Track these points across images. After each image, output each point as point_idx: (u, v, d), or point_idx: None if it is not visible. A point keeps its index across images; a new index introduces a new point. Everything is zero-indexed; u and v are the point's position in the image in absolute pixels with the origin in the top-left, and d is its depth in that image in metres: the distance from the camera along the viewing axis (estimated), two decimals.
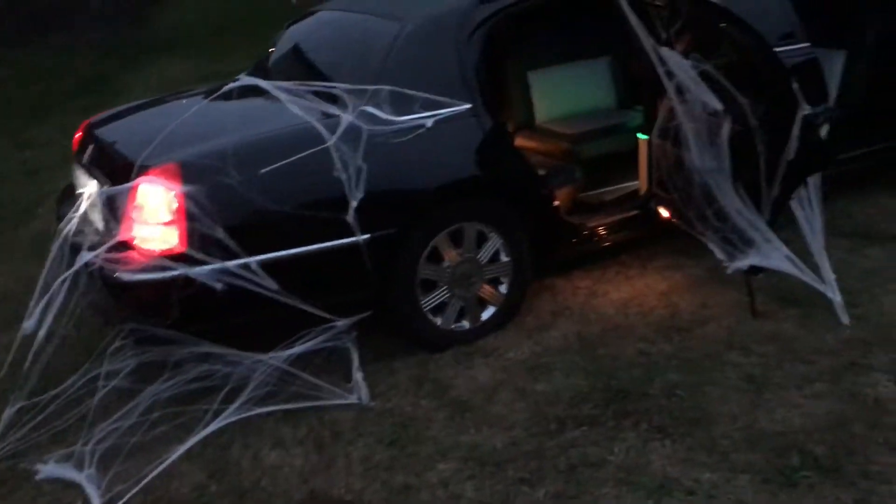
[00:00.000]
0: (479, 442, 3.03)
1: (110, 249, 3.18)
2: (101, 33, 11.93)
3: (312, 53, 4.24)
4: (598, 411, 3.12)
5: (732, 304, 3.77)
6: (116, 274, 3.16)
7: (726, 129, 3.35)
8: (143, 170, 3.22)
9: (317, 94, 3.61)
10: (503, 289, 3.81)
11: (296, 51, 4.35)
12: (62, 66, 10.98)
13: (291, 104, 3.52)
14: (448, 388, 3.40)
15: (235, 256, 3.13)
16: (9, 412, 3.24)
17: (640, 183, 4.26)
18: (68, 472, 3.03)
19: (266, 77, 3.97)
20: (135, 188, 3.20)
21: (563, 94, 5.15)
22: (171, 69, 10.19)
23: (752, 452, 2.79)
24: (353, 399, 3.34)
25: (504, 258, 3.77)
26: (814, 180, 3.65)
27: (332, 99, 3.55)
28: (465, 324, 3.74)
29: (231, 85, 3.95)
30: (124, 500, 2.88)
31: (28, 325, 3.19)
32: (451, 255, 3.63)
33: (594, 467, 2.82)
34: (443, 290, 3.64)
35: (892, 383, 3.10)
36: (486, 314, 3.79)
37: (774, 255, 3.49)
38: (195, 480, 2.97)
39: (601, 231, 4.17)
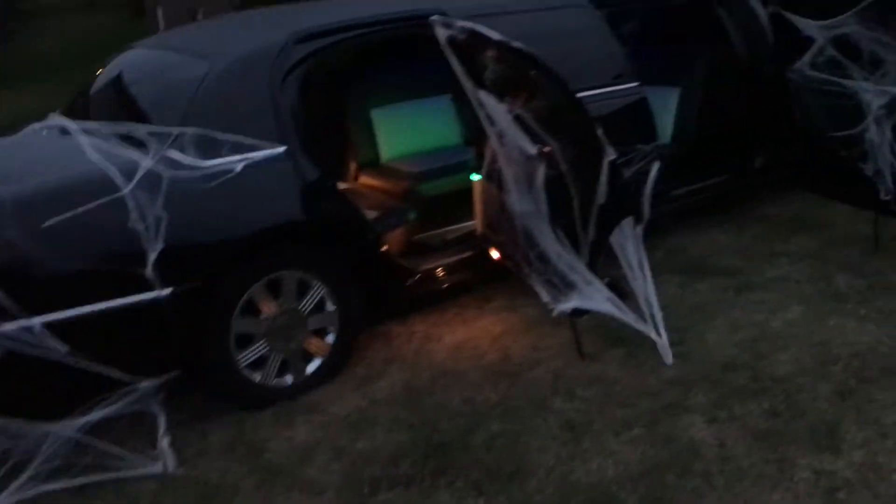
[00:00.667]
0: None
1: None
2: None
3: (124, 92, 3.99)
4: (415, 469, 2.98)
5: (563, 346, 3.72)
6: None
7: (542, 172, 3.31)
8: None
9: (121, 136, 3.37)
10: (330, 339, 3.64)
11: (109, 88, 4.09)
12: None
13: (91, 148, 3.27)
14: (262, 450, 3.19)
15: (13, 318, 2.84)
16: None
17: (476, 223, 4.19)
18: None
19: (80, 115, 3.71)
20: None
21: (408, 132, 5.07)
22: (25, 98, 9.59)
23: None
24: (156, 468, 3.08)
25: (330, 307, 3.60)
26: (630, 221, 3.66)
27: (136, 142, 3.32)
28: (289, 378, 3.55)
29: (35, 125, 3.67)
30: None
31: None
32: (269, 307, 3.44)
33: None
34: (261, 345, 3.44)
35: (706, 424, 3.09)
36: (312, 367, 3.61)
37: (596, 297, 3.46)
38: None
39: (438, 273, 4.08)
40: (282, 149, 3.42)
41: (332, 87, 4.61)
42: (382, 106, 5.01)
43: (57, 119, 3.82)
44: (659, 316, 3.64)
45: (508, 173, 3.43)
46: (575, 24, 4.46)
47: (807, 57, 4.73)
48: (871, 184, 4.49)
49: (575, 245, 3.41)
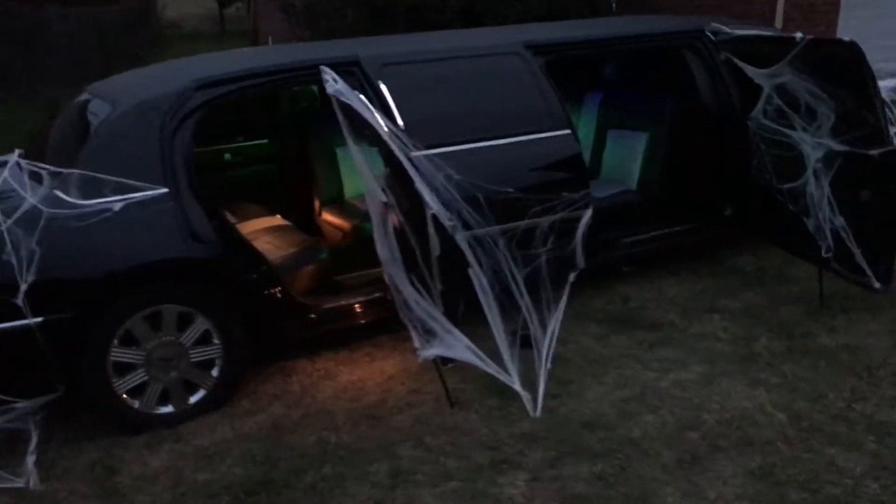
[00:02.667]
0: None
1: None
2: None
3: (54, 133, 4.34)
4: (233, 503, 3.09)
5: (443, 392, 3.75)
6: None
7: (390, 221, 3.38)
8: None
9: (31, 174, 3.67)
10: (215, 372, 3.81)
11: (54, 129, 4.45)
12: None
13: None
14: (116, 473, 3.38)
15: None
16: None
17: None
18: None
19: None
20: None
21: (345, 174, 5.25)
22: None
23: None
24: (18, 483, 3.32)
25: (215, 340, 3.77)
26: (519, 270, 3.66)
27: (39, 180, 3.62)
28: (169, 407, 3.73)
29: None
30: None
31: None
32: (147, 339, 3.64)
33: None
34: (139, 373, 3.65)
35: (525, 483, 3.06)
36: (195, 398, 3.78)
37: (457, 346, 3.48)
38: None
39: (346, 311, 4.19)
40: (164, 190, 3.63)
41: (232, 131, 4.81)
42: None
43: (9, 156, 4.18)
44: (545, 368, 3.59)
45: (373, 220, 3.51)
46: (504, 71, 4.49)
47: (759, 105, 4.58)
48: (814, 239, 4.29)
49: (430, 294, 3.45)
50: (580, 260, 4.28)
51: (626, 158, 5.49)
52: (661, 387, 3.72)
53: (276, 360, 4.18)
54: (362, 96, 3.76)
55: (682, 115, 5.28)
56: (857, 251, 4.12)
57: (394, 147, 3.50)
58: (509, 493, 3.00)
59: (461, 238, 3.35)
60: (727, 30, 4.97)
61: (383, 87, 4.13)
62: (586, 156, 5.26)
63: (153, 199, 3.61)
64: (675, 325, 4.38)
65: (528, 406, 3.52)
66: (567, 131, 4.53)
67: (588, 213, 4.35)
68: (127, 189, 3.57)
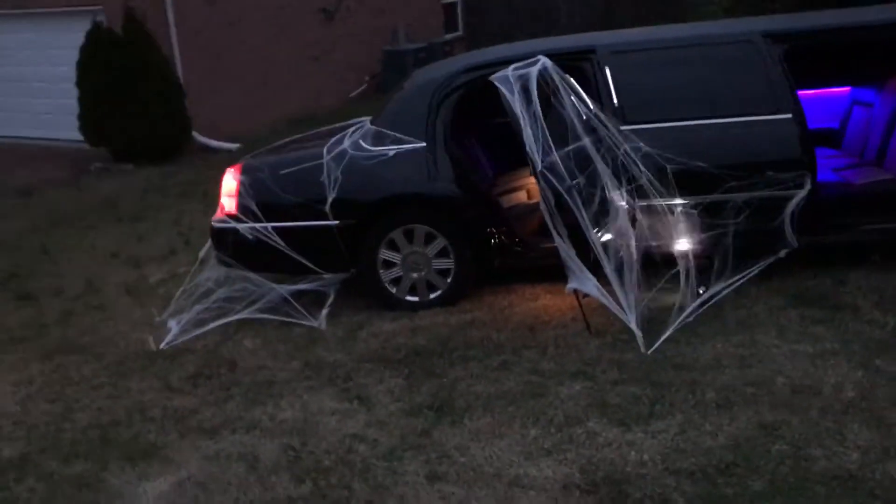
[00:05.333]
0: None
1: None
2: None
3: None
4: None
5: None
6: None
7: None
8: None
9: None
10: (449, 279, 5.26)
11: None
12: None
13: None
14: (361, 328, 5.08)
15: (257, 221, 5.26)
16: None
17: None
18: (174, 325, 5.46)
19: None
20: None
21: None
22: None
23: None
24: (315, 323, 5.22)
25: (451, 256, 5.21)
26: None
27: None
28: (416, 297, 5.30)
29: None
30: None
31: None
32: (404, 246, 5.24)
33: None
34: (398, 269, 5.28)
35: (580, 390, 3.96)
36: (434, 294, 5.27)
37: (588, 283, 4.41)
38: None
39: (553, 251, 5.26)
40: (423, 144, 5.15)
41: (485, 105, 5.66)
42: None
43: None
44: (678, 321, 4.36)
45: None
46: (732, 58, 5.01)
47: None
48: None
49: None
50: (791, 238, 4.75)
51: None
52: (774, 353, 4.13)
53: (509, 282, 5.43)
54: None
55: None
56: None
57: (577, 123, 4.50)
58: (566, 393, 3.95)
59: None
60: None
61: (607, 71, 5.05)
62: None
63: (415, 150, 5.17)
64: (859, 311, 4.53)
65: (640, 343, 4.31)
66: (787, 115, 4.88)
67: (800, 194, 4.75)
68: (401, 142, 5.18)
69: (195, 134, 11.62)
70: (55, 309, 6.15)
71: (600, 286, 4.41)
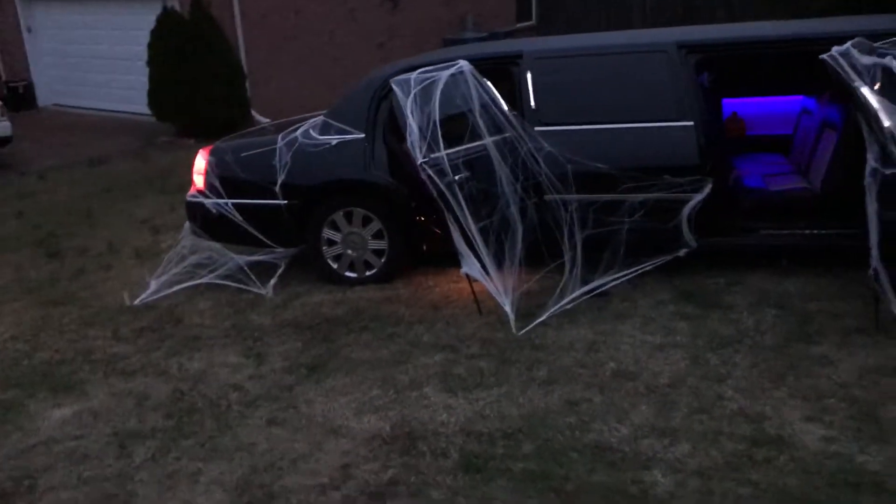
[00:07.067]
0: None
1: None
2: None
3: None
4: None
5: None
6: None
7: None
8: None
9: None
10: (383, 259, 5.82)
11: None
12: None
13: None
14: (306, 295, 5.72)
15: (208, 198, 5.98)
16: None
17: None
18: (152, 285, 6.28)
19: None
20: None
21: None
22: None
23: None
24: (262, 291, 5.89)
25: (385, 238, 5.77)
26: None
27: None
28: (354, 274, 5.89)
29: None
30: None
31: None
32: (344, 227, 5.83)
33: None
34: (338, 247, 5.88)
35: (438, 361, 4.44)
36: (370, 272, 5.84)
37: (473, 267, 4.87)
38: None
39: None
40: (362, 135, 5.70)
41: None
42: None
43: None
44: (555, 307, 4.78)
45: None
46: (643, 68, 5.31)
47: None
48: None
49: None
50: (689, 239, 5.08)
51: None
52: (624, 342, 4.49)
53: (450, 265, 5.90)
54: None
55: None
56: None
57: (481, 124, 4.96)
58: (424, 362, 4.45)
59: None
60: None
61: (529, 76, 5.45)
62: None
63: (355, 140, 5.72)
64: (730, 310, 4.80)
65: (512, 325, 4.75)
66: (688, 123, 5.15)
67: (697, 198, 5.06)
68: (343, 132, 5.76)
69: (254, 113, 12.53)
70: (73, 266, 7.05)
71: (483, 271, 4.86)
